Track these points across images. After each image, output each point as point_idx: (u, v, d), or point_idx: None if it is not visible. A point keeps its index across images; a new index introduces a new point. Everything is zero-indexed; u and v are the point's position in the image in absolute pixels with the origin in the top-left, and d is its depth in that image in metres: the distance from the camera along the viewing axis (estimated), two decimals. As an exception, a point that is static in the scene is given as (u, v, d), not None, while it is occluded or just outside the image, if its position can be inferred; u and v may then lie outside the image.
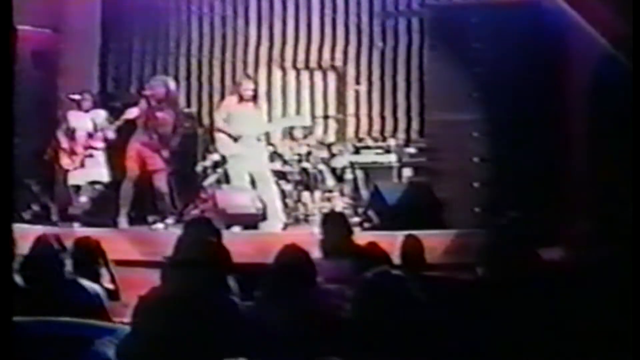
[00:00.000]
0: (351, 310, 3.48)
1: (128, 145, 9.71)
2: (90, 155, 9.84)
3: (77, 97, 9.99)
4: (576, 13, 8.45)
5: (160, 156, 9.61)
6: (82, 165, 9.83)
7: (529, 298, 4.02)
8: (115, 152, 9.93)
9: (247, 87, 9.86)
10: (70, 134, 9.89)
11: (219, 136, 9.85)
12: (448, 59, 9.72)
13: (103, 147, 9.90)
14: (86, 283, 5.21)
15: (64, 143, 9.85)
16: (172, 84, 10.12)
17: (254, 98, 9.89)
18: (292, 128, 10.63)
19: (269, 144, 10.20)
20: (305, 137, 10.45)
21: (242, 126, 9.67)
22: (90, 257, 5.89)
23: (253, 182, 9.69)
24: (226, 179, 10.12)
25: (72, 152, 9.84)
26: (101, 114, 9.98)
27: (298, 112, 11.34)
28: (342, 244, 5.89)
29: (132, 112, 9.66)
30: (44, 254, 5.35)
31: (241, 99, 9.81)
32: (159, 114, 9.68)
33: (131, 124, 9.78)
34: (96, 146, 9.86)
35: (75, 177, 9.88)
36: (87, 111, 9.94)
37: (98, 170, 9.88)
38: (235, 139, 9.66)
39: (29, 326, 4.10)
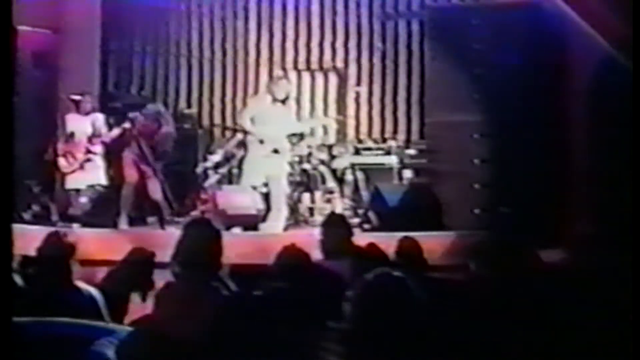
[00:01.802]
0: (351, 311, 3.47)
1: (124, 153, 9.72)
2: (89, 160, 9.82)
3: (77, 97, 9.97)
4: (576, 14, 8.45)
5: (154, 165, 9.61)
6: (81, 168, 9.81)
7: (530, 299, 4.02)
8: (113, 156, 9.93)
9: (282, 88, 9.86)
10: (69, 137, 9.87)
11: (247, 136, 9.84)
12: (448, 60, 9.71)
13: (102, 151, 9.88)
14: (84, 285, 5.22)
15: (62, 146, 9.83)
16: (165, 117, 10.10)
17: (285, 99, 9.90)
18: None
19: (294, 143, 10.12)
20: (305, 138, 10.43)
21: (272, 126, 9.67)
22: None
23: (266, 182, 9.68)
24: (229, 179, 10.12)
25: (70, 155, 9.81)
26: (100, 118, 9.96)
27: (298, 113, 11.33)
28: (342, 245, 5.88)
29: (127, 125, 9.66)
30: (46, 255, 5.34)
31: (274, 99, 9.81)
32: (149, 141, 9.71)
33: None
34: (95, 151, 9.84)
35: (74, 181, 9.86)
36: (86, 114, 9.92)
37: (96, 173, 9.86)
38: (262, 140, 9.65)
39: (29, 326, 4.10)
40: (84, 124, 9.89)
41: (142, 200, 9.83)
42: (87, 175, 9.84)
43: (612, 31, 7.84)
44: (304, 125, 10.39)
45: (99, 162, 9.88)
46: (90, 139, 9.82)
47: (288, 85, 10.07)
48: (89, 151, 9.81)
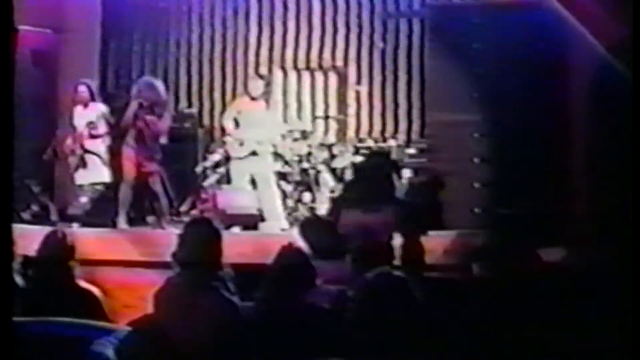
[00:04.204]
0: (352, 310, 3.47)
1: (122, 148, 9.64)
2: (92, 153, 9.76)
3: (78, 97, 9.91)
4: (574, 17, 8.43)
5: (154, 159, 9.53)
6: (85, 165, 9.76)
7: (530, 298, 4.02)
8: (114, 153, 9.89)
9: (256, 86, 9.86)
10: (72, 131, 9.80)
11: (226, 137, 9.85)
12: (449, 59, 9.70)
13: (103, 146, 9.83)
14: (84, 285, 5.23)
15: (67, 141, 9.75)
16: (160, 86, 9.98)
17: (266, 98, 9.90)
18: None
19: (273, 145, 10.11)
20: (305, 137, 10.43)
21: (253, 127, 9.66)
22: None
23: (254, 184, 9.69)
24: (227, 179, 10.12)
25: (73, 152, 9.76)
26: (103, 109, 9.84)
27: (299, 113, 11.33)
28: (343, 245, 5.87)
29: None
30: (46, 254, 5.35)
31: (252, 98, 9.82)
32: (148, 118, 9.55)
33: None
34: (95, 146, 9.78)
35: (80, 177, 9.80)
36: (85, 104, 9.80)
37: (100, 171, 9.80)
38: (241, 142, 9.65)
39: (29, 326, 4.10)
40: (86, 117, 9.79)
41: (143, 197, 9.79)
42: (91, 172, 9.77)
43: (611, 33, 7.83)
44: (289, 126, 10.40)
45: (100, 159, 9.83)
46: (85, 133, 9.70)
47: (262, 83, 10.05)
48: (83, 147, 9.72)
